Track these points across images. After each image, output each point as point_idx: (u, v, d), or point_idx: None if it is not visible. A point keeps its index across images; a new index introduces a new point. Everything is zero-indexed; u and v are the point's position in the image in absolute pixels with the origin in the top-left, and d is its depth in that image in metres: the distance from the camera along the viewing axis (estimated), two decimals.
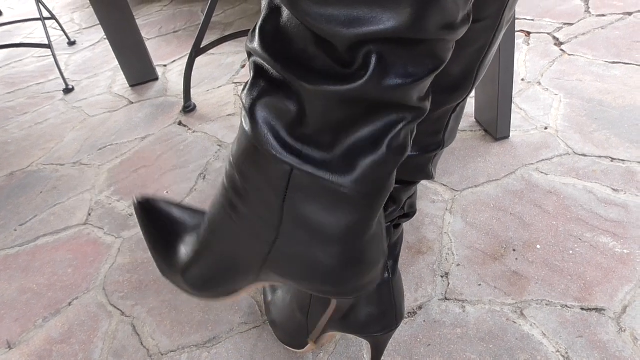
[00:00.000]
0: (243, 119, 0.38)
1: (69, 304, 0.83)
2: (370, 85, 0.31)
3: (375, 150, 0.35)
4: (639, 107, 1.01)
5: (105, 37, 1.89)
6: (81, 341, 0.76)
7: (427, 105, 0.35)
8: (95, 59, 1.84)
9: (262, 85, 0.36)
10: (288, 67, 0.33)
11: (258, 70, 0.36)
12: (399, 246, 0.52)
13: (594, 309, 0.67)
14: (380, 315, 0.52)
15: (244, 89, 0.38)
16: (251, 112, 0.36)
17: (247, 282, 0.48)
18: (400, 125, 0.34)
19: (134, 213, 0.56)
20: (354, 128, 0.34)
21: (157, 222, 0.56)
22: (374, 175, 0.36)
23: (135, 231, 0.95)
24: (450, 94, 0.46)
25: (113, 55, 1.82)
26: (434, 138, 0.46)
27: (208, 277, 0.49)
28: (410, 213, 0.50)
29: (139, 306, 0.80)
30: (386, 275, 0.51)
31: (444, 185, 0.91)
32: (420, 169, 0.47)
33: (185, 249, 0.52)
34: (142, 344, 0.74)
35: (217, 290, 0.50)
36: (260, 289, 0.78)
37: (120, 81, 1.60)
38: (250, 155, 0.38)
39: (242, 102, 0.37)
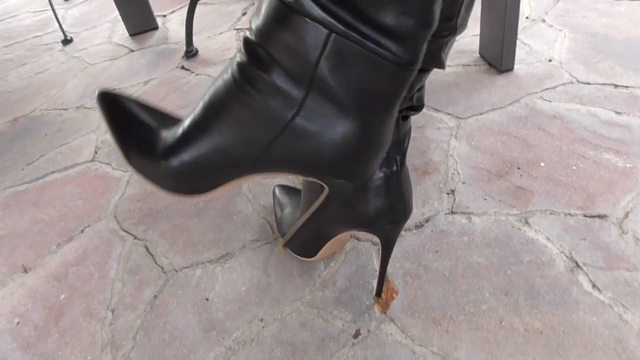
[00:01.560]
0: None
1: (82, 232, 0.85)
2: None
3: (420, 18, 0.36)
4: None
5: None
6: (96, 263, 0.78)
7: None
8: (92, 12, 1.82)
9: None
10: None
11: None
12: (407, 140, 0.53)
13: (596, 216, 0.69)
14: (389, 208, 0.53)
15: None
16: None
17: (236, 173, 0.47)
18: None
19: (99, 110, 0.51)
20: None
21: (123, 113, 0.52)
22: (414, 41, 0.37)
23: None
24: None
25: (110, 7, 1.81)
26: (446, 23, 0.47)
27: (195, 163, 0.47)
28: (418, 106, 0.51)
29: (150, 230, 0.82)
30: (395, 167, 0.52)
31: (448, 114, 0.92)
32: (433, 55, 0.47)
33: (167, 136, 0.49)
34: (155, 262, 0.76)
35: (201, 182, 0.48)
36: (270, 209, 0.80)
37: (120, 32, 1.59)
38: (281, 24, 0.38)
39: None
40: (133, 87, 1.24)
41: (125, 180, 0.94)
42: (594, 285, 0.61)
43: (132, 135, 0.51)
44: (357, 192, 0.51)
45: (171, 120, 0.52)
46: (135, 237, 0.81)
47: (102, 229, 0.84)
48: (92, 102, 1.23)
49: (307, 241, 0.64)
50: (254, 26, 0.41)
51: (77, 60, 1.47)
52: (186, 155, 0.47)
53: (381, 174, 0.51)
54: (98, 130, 1.11)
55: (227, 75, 0.44)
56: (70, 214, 0.89)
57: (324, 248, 0.62)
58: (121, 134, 0.51)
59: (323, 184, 0.46)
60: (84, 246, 0.82)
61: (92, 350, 0.65)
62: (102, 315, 0.70)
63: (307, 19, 0.37)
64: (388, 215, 0.53)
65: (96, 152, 1.04)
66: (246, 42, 0.42)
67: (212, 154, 0.46)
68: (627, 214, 0.68)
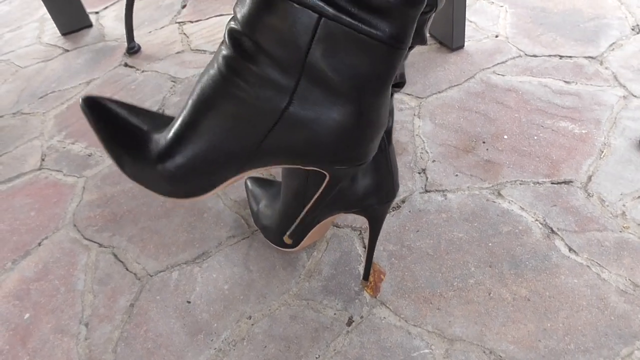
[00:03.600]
0: None
1: (39, 244, 0.79)
2: None
3: None
4: (578, 10, 1.06)
5: None
6: (60, 276, 0.73)
7: None
8: (14, 11, 1.69)
9: None
10: None
11: None
12: (391, 118, 0.53)
13: (562, 182, 0.71)
14: (377, 186, 0.53)
15: None
16: None
17: (232, 170, 0.45)
18: None
19: (84, 116, 0.49)
20: None
21: (111, 119, 0.50)
22: (403, 28, 0.37)
23: (99, 168, 0.91)
24: None
25: (34, 6, 1.69)
26: None
27: (190, 165, 0.45)
28: (401, 83, 0.51)
29: (116, 236, 0.78)
30: (383, 145, 0.51)
31: (408, 94, 0.93)
32: (416, 31, 0.47)
33: (159, 138, 0.47)
34: (127, 269, 0.72)
35: (196, 183, 0.47)
36: (242, 203, 0.77)
37: (50, 31, 1.49)
38: (269, 11, 0.37)
39: None
40: (74, 89, 1.17)
41: (80, 186, 0.88)
42: (570, 249, 0.63)
43: (122, 141, 0.48)
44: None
45: (161, 121, 0.50)
46: (101, 245, 0.77)
47: (61, 239, 0.79)
48: (30, 107, 1.15)
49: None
50: (239, 15, 0.40)
51: (4, 63, 1.37)
52: (180, 158, 0.45)
53: None
54: (41, 137, 1.04)
55: (213, 70, 0.43)
56: (23, 227, 0.83)
57: (307, 236, 0.61)
58: (111, 141, 0.48)
59: (324, 171, 0.45)
60: (43, 260, 0.77)
61: None
62: (75, 330, 0.66)
63: (296, 4, 0.36)
64: (376, 194, 0.53)
65: (43, 160, 0.97)
66: (231, 32, 0.40)
67: (207, 154, 0.44)
68: (589, 178, 0.71)
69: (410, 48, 0.49)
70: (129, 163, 0.48)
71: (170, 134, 0.46)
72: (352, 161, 0.45)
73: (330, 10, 0.36)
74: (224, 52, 0.41)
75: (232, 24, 0.40)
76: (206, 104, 0.43)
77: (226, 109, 0.42)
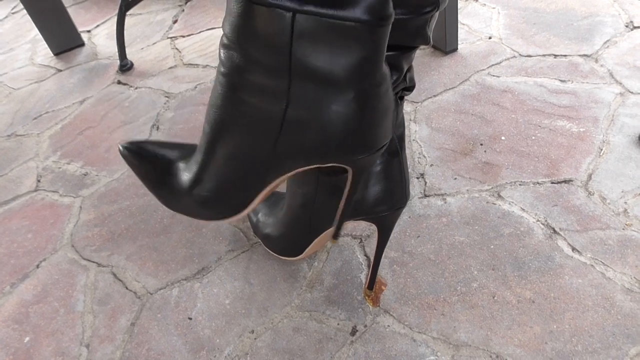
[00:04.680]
0: None
1: (37, 267, 0.79)
2: None
3: None
4: (571, 8, 1.06)
5: (12, 12, 1.76)
6: (59, 298, 0.72)
7: None
8: (5, 34, 1.70)
9: None
10: None
11: None
12: (402, 125, 0.53)
13: (562, 181, 0.71)
14: (389, 193, 0.52)
15: None
16: None
17: (257, 184, 0.47)
18: None
19: (123, 160, 0.56)
20: None
21: (149, 160, 0.55)
22: (378, 4, 0.36)
23: (95, 188, 0.91)
24: None
25: (26, 28, 1.70)
26: None
27: (218, 186, 0.48)
28: (411, 87, 0.51)
29: (115, 255, 0.77)
30: (396, 151, 0.51)
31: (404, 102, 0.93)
32: (418, 32, 0.47)
33: (186, 168, 0.51)
34: (127, 288, 0.71)
35: (228, 203, 0.49)
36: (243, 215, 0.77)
37: (42, 52, 1.50)
38: (247, 18, 0.37)
39: None
40: (68, 108, 1.17)
41: (77, 206, 0.88)
42: (573, 249, 0.63)
43: (161, 177, 0.53)
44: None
45: (189, 149, 0.54)
46: (99, 265, 0.76)
47: (60, 260, 0.78)
48: (24, 128, 1.14)
49: (293, 239, 0.62)
50: (225, 29, 0.40)
51: None
52: (208, 183, 0.48)
53: (382, 159, 0.50)
54: (36, 158, 1.04)
55: (217, 91, 0.44)
56: (21, 249, 0.83)
57: (311, 245, 0.60)
58: (152, 179, 0.54)
59: (346, 166, 0.45)
60: (42, 282, 0.76)
61: None
62: (76, 352, 0.65)
63: (265, 7, 0.36)
64: (387, 201, 0.52)
65: (39, 181, 0.97)
66: (223, 49, 0.41)
67: (229, 172, 0.46)
68: (590, 176, 0.71)
69: (414, 48, 0.48)
70: (167, 195, 0.53)
71: (197, 161, 0.48)
72: (367, 148, 0.44)
73: (298, 5, 0.35)
74: (221, 69, 0.42)
75: (223, 39, 0.41)
76: (219, 126, 0.44)
77: (236, 126, 0.43)
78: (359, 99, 0.39)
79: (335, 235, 0.54)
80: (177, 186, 0.51)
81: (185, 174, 0.51)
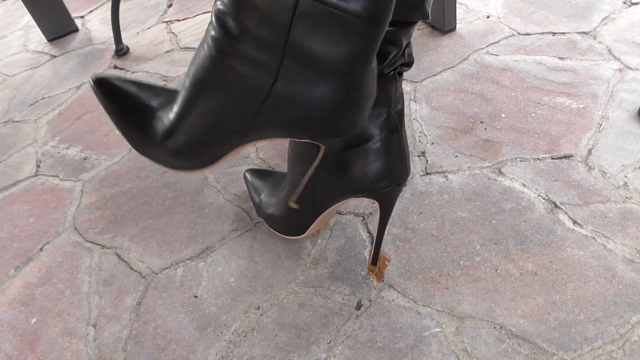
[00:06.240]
0: None
1: (40, 250, 0.79)
2: None
3: None
4: None
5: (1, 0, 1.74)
6: (64, 279, 0.73)
7: None
8: None
9: None
10: None
11: None
12: (401, 100, 0.53)
13: (563, 157, 0.72)
14: (390, 169, 0.52)
15: None
16: None
17: (232, 144, 0.48)
18: None
19: (95, 96, 0.52)
20: None
21: (120, 98, 0.52)
22: (379, 4, 0.37)
23: (96, 171, 0.91)
24: None
25: (18, 14, 1.68)
26: None
27: (193, 142, 0.48)
28: (409, 62, 0.51)
29: (118, 237, 0.77)
30: (396, 127, 0.51)
31: (403, 79, 0.93)
32: (416, 6, 0.47)
33: (163, 117, 0.50)
34: (131, 268, 0.72)
35: (200, 158, 0.50)
36: (243, 196, 0.77)
37: (36, 38, 1.48)
38: None
39: None
40: (65, 94, 1.16)
41: (78, 189, 0.88)
42: (574, 222, 0.63)
43: (131, 119, 0.51)
44: (356, 155, 0.50)
45: (167, 96, 0.52)
46: (103, 246, 0.76)
47: (63, 243, 0.78)
48: (21, 115, 1.14)
49: (296, 217, 0.63)
50: None
51: None
52: (183, 137, 0.48)
53: (382, 135, 0.50)
54: (35, 143, 1.03)
55: (203, 51, 0.44)
56: (23, 233, 0.83)
57: (314, 223, 0.61)
58: (120, 119, 0.52)
59: (318, 143, 0.46)
60: (46, 264, 0.76)
61: None
62: (83, 332, 0.65)
63: None
64: (389, 177, 0.53)
65: (38, 166, 0.96)
66: (217, 13, 0.42)
67: (206, 131, 0.47)
68: (590, 151, 0.71)
69: (413, 23, 0.49)
70: (137, 139, 0.52)
71: (172, 114, 0.48)
72: (342, 133, 0.45)
73: None
74: (212, 33, 0.42)
75: (218, 4, 0.41)
76: (200, 85, 0.45)
77: (219, 89, 0.44)
78: (344, 87, 0.40)
79: (296, 202, 0.55)
80: (149, 133, 0.51)
81: (160, 123, 0.50)
